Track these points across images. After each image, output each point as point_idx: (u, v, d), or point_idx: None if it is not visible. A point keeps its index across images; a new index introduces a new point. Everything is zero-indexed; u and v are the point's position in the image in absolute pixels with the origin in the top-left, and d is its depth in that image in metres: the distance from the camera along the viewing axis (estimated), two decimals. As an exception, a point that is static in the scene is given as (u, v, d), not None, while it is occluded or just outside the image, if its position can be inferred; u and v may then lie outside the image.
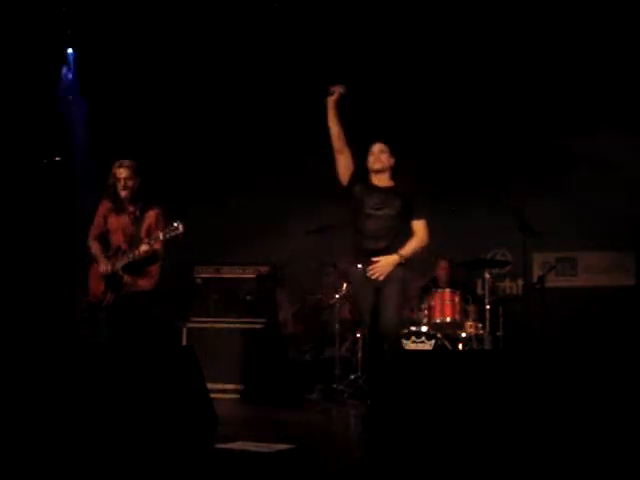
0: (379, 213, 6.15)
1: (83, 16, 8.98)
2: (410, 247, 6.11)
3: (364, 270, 6.07)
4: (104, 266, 6.51)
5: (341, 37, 8.97)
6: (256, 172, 9.53)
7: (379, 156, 6.32)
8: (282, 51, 9.21)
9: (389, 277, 6.02)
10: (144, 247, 6.34)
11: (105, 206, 6.68)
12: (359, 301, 6.26)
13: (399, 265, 6.06)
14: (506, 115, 9.20)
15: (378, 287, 6.04)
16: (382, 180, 6.33)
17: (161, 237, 6.30)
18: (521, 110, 9.14)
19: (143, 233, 6.49)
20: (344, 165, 6.31)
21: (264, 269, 8.59)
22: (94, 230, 6.71)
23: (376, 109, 9.21)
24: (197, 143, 9.66)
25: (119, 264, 6.46)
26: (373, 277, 5.98)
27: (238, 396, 8.08)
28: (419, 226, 6.20)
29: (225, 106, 9.54)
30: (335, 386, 7.88)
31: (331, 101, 6.22)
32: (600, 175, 8.80)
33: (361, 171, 6.37)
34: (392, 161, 6.37)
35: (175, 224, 6.26)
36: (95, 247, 6.64)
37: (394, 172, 6.39)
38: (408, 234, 6.18)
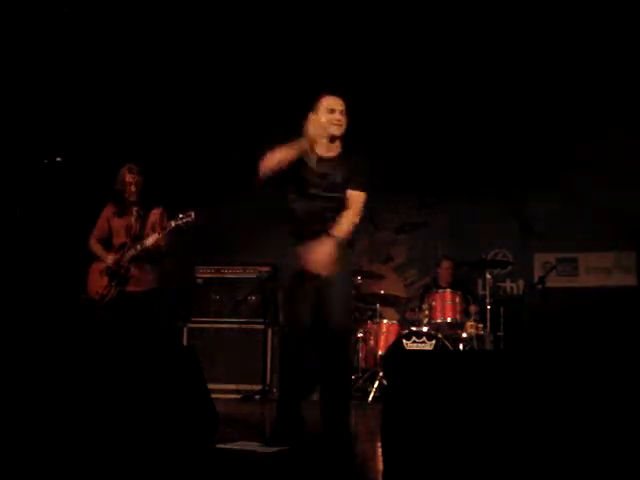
0: (323, 194, 4.98)
1: (84, 16, 8.99)
2: (344, 222, 4.89)
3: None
4: (111, 257, 6.53)
5: (340, 37, 8.97)
6: (256, 172, 9.52)
7: (341, 117, 4.98)
8: (281, 51, 9.22)
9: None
10: (155, 237, 6.37)
11: (109, 210, 6.71)
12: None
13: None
14: (507, 116, 9.20)
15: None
16: (331, 148, 5.05)
17: (173, 225, 6.34)
18: (522, 111, 9.14)
19: (148, 230, 6.53)
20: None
21: (265, 269, 8.60)
22: (96, 232, 6.74)
23: (377, 111, 9.21)
24: (197, 143, 9.66)
25: (126, 256, 6.48)
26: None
27: (239, 396, 8.09)
28: (358, 197, 5.09)
29: (225, 106, 9.54)
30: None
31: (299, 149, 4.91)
32: (601, 175, 8.79)
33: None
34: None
35: (187, 212, 6.31)
36: (96, 246, 6.67)
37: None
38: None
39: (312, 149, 5.02)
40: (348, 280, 5.23)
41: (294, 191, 5.10)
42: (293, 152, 4.93)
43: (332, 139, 5.01)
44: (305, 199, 5.04)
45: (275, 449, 4.73)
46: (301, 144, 4.94)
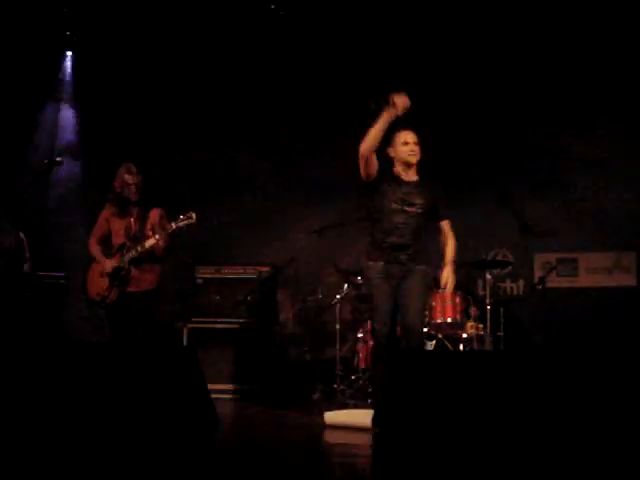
0: (405, 208, 5.77)
1: (82, 18, 9.01)
2: (453, 249, 5.91)
3: (386, 266, 5.77)
4: (110, 263, 6.52)
5: (340, 37, 8.98)
6: (257, 172, 9.53)
7: (414, 147, 5.84)
8: (281, 51, 9.23)
9: (412, 272, 5.76)
10: (156, 238, 6.36)
11: (109, 210, 6.70)
12: (376, 298, 5.85)
13: (422, 261, 5.80)
14: (506, 115, 9.19)
15: (399, 283, 5.76)
16: (410, 174, 5.89)
17: (174, 226, 6.33)
18: (521, 110, 9.14)
19: (147, 231, 6.53)
20: (372, 162, 5.72)
21: (265, 269, 8.59)
22: (96, 232, 6.73)
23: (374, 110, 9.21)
24: (196, 143, 9.65)
25: (126, 258, 6.48)
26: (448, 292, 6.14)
27: (238, 396, 8.08)
28: (448, 226, 5.98)
29: (225, 107, 9.54)
30: (336, 386, 7.87)
31: (391, 115, 5.61)
32: (601, 175, 8.80)
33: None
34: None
35: (188, 213, 6.31)
36: (95, 249, 6.67)
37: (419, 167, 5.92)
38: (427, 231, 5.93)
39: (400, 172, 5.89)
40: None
41: (381, 208, 5.83)
42: (384, 121, 5.62)
43: (409, 166, 5.86)
44: (391, 215, 5.80)
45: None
46: (390, 112, 5.61)
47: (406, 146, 5.82)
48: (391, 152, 5.91)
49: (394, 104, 5.60)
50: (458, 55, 9.02)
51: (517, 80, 9.06)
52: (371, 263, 5.86)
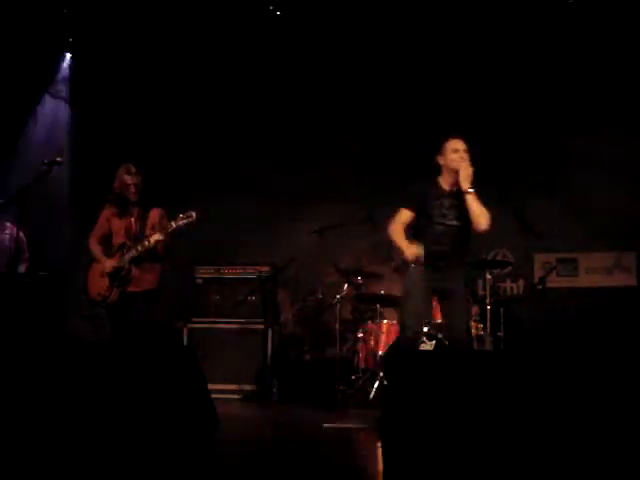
0: (447, 222, 5.90)
1: (81, 19, 9.01)
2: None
3: (426, 273, 5.86)
4: (110, 263, 6.52)
5: (338, 37, 8.99)
6: (257, 172, 9.53)
7: (464, 155, 5.89)
8: (281, 50, 9.23)
9: (453, 288, 5.92)
10: (156, 238, 6.36)
11: (109, 210, 6.69)
12: (409, 302, 5.98)
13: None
14: (507, 115, 9.19)
15: (442, 292, 5.95)
16: (452, 182, 5.92)
17: (174, 225, 6.32)
18: (521, 110, 9.14)
19: (148, 231, 6.52)
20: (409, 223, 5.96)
21: (265, 269, 8.59)
22: (96, 231, 6.72)
23: (378, 110, 9.22)
24: (197, 143, 9.66)
25: (127, 257, 6.47)
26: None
27: (238, 396, 8.08)
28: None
29: (225, 106, 9.55)
30: (336, 386, 7.87)
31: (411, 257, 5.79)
32: (601, 175, 8.79)
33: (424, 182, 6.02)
34: None
35: (188, 212, 6.31)
36: (96, 248, 6.66)
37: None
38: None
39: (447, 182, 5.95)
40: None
41: (426, 219, 5.92)
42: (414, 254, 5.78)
43: (457, 174, 5.83)
44: (435, 226, 5.90)
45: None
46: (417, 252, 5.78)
47: (456, 153, 5.86)
48: (440, 160, 5.97)
49: (406, 257, 5.82)
50: (458, 54, 9.02)
51: (518, 80, 9.07)
52: (411, 267, 5.92)
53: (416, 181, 6.12)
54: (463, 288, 6.02)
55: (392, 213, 6.03)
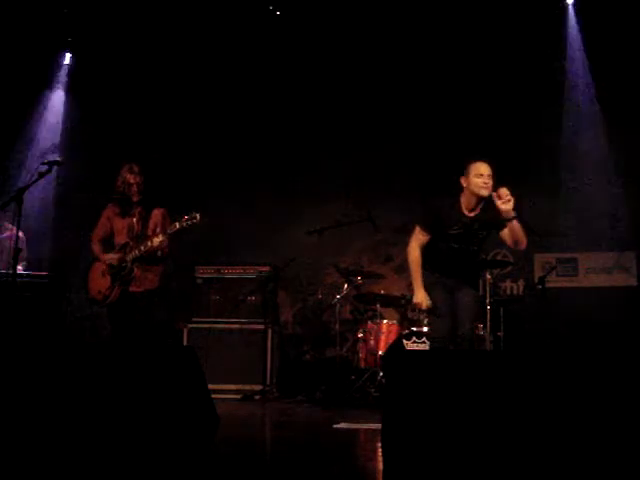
0: (464, 245, 5.89)
1: (82, 17, 9.02)
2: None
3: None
4: (111, 256, 6.52)
5: (337, 38, 9.00)
6: (257, 173, 9.54)
7: (488, 181, 5.75)
8: (279, 51, 9.24)
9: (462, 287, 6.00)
10: (160, 239, 6.36)
11: (111, 210, 6.70)
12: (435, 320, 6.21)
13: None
14: (506, 115, 9.19)
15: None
16: (473, 208, 5.85)
17: (178, 227, 6.32)
18: (522, 110, 9.13)
19: (150, 231, 6.53)
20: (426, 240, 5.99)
21: (265, 269, 8.60)
22: (98, 231, 6.73)
23: (378, 111, 9.22)
24: (197, 144, 9.66)
25: (129, 257, 6.48)
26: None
27: (239, 396, 8.09)
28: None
29: (226, 108, 9.55)
30: (336, 386, 7.88)
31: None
32: (601, 175, 8.79)
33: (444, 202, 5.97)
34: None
35: (192, 214, 6.31)
36: (98, 248, 6.67)
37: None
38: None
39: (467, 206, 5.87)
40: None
41: (443, 241, 5.92)
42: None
43: (480, 199, 5.77)
44: (451, 249, 5.91)
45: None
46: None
47: (480, 178, 5.74)
48: (463, 182, 5.85)
49: (416, 302, 6.00)
50: (458, 54, 9.03)
51: (516, 80, 9.06)
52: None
53: (436, 198, 6.12)
54: (474, 292, 6.15)
55: (397, 218, 6.07)
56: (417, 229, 6.00)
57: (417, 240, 5.98)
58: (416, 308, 5.97)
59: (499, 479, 3.64)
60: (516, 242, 5.75)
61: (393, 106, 9.30)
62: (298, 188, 9.37)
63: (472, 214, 5.85)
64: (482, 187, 5.71)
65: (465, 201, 5.86)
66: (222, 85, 9.52)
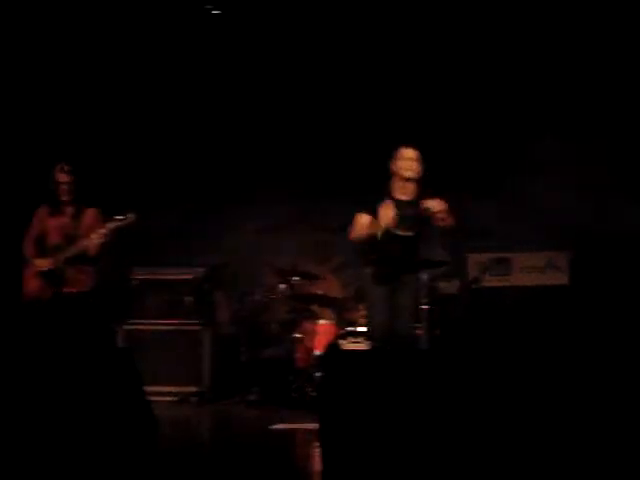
0: (399, 232, 5.98)
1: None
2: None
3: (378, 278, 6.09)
4: (42, 262, 6.47)
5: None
6: (191, 173, 9.47)
7: (412, 164, 6.04)
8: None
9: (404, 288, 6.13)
10: (92, 239, 6.32)
11: (43, 210, 6.68)
12: (371, 315, 6.30)
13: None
14: (445, 116, 9.24)
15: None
16: (407, 192, 6.09)
17: (112, 226, 6.30)
18: (459, 111, 9.20)
19: (82, 231, 6.50)
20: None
21: (201, 270, 8.57)
22: (31, 232, 6.72)
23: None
24: (136, 145, 9.53)
25: (61, 257, 6.43)
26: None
27: (175, 398, 8.04)
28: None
29: (166, 100, 9.43)
30: (273, 387, 7.88)
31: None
32: (535, 175, 8.90)
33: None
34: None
35: (126, 214, 6.29)
36: (29, 249, 6.63)
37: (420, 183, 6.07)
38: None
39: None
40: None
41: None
42: (375, 229, 5.88)
43: (406, 182, 6.01)
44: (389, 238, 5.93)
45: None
46: (378, 225, 5.86)
47: (405, 161, 6.02)
48: (392, 166, 6.12)
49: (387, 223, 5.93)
50: (411, 56, 9.05)
51: (466, 83, 9.12)
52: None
53: (372, 188, 6.22)
54: (415, 290, 6.29)
55: (333, 211, 6.10)
56: (356, 216, 6.07)
57: (357, 224, 6.05)
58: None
59: (436, 477, 3.68)
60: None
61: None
62: (234, 188, 9.32)
63: (403, 197, 6.05)
64: (407, 169, 5.99)
65: (396, 187, 6.10)
66: (158, 79, 9.38)
